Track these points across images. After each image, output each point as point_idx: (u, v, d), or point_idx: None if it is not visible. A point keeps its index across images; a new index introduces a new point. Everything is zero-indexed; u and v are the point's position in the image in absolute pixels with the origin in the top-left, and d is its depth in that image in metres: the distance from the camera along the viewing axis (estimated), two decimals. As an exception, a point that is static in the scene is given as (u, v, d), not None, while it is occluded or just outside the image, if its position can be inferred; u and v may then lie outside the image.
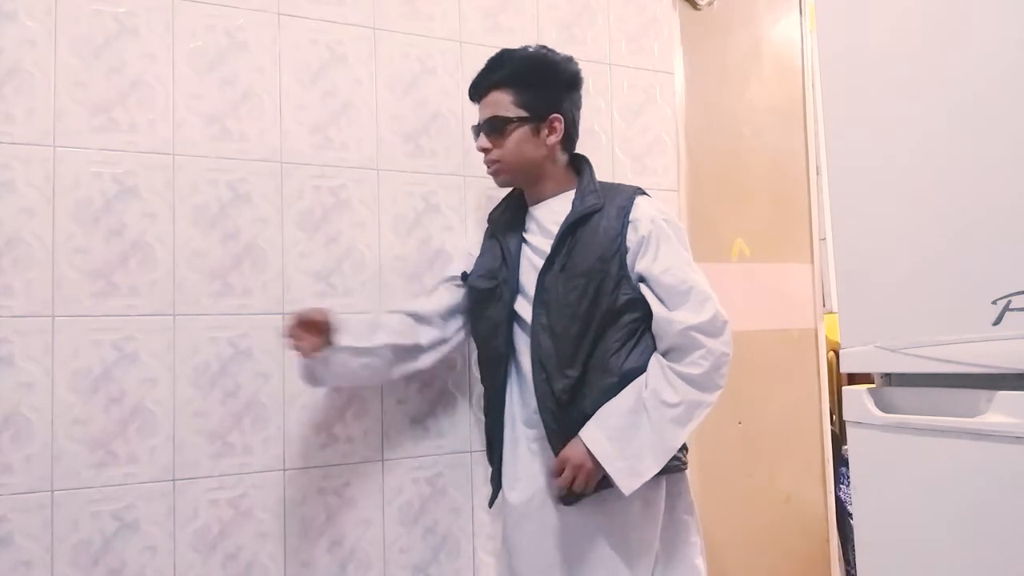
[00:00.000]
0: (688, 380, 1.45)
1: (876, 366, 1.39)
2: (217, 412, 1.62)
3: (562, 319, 1.50)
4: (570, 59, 1.63)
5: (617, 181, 2.03)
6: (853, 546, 1.49)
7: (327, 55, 1.77)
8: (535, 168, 1.60)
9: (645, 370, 1.50)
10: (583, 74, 1.64)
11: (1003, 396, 1.16)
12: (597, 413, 1.48)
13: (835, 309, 1.57)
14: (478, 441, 1.82)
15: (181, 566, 1.57)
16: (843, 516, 2.32)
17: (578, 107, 1.65)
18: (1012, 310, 1.14)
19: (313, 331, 1.50)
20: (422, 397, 1.80)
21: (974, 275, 1.20)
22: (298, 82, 1.73)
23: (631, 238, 1.52)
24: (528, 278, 1.58)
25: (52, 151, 1.53)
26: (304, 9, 1.75)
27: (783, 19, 2.36)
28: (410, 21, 1.86)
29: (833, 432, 2.34)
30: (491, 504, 1.71)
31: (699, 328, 1.47)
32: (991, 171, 1.18)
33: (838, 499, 2.32)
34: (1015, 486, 1.14)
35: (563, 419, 1.50)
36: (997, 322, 1.16)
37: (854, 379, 1.52)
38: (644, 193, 1.60)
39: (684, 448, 1.58)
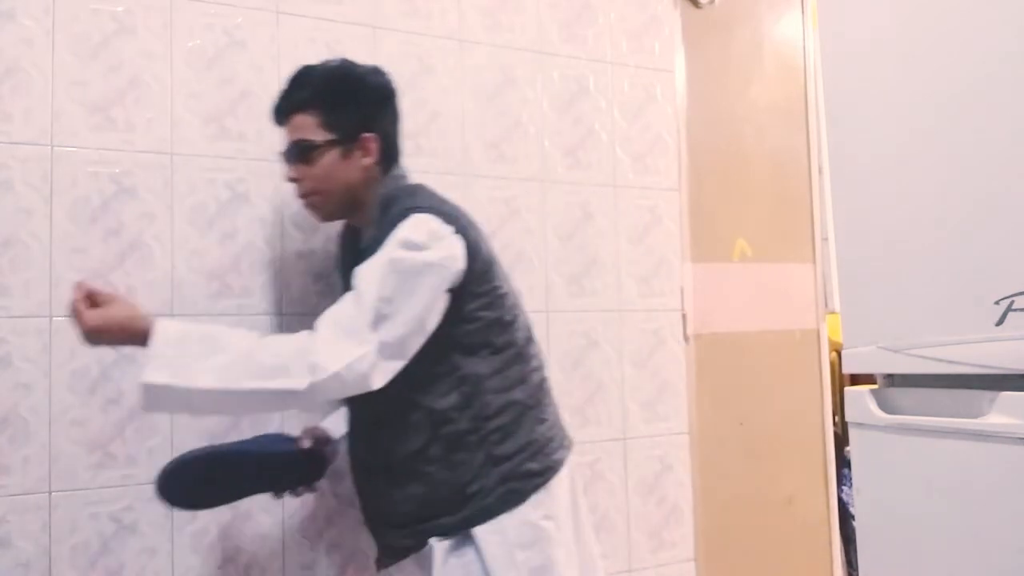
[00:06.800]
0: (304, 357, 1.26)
1: (878, 367, 1.38)
2: (215, 413, 1.61)
3: None
4: (376, 70, 1.47)
5: (615, 179, 2.04)
6: (855, 548, 1.48)
7: (326, 53, 1.75)
8: (352, 195, 1.44)
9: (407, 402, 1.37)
10: (393, 85, 1.47)
11: (1006, 397, 1.15)
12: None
13: (837, 309, 1.56)
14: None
15: (180, 568, 1.57)
16: (845, 518, 2.31)
17: (395, 120, 1.48)
18: (1015, 310, 1.13)
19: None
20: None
21: (977, 275, 1.19)
22: (297, 81, 1.72)
23: None
24: None
25: (50, 150, 1.52)
26: (303, 7, 1.74)
27: (785, 17, 2.35)
28: (409, 19, 1.85)
29: (835, 433, 2.33)
30: None
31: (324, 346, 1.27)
32: (994, 171, 1.18)
33: (840, 500, 2.31)
34: (1018, 487, 1.13)
35: None
36: (1000, 323, 1.15)
37: (856, 380, 1.52)
38: (420, 210, 1.35)
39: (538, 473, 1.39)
